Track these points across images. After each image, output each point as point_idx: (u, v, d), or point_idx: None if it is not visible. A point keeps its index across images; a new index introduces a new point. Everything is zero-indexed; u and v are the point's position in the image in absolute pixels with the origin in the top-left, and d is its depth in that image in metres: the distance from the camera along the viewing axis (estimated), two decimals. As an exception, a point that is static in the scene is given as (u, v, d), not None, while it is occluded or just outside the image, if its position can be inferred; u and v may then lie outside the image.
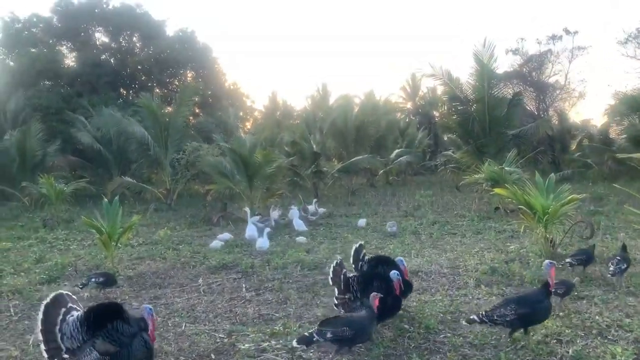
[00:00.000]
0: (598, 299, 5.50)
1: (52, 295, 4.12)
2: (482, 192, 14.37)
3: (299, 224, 11.76)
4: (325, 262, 8.33)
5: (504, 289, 6.30)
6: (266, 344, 4.80)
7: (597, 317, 4.94)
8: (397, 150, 25.89)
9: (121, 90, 31.21)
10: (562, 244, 7.84)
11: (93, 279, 6.80)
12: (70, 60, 30.18)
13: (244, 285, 7.14)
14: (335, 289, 5.30)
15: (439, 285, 6.70)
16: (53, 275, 8.04)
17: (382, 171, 25.07)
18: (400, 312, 5.38)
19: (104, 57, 30.47)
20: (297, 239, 10.60)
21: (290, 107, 43.73)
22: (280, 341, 4.90)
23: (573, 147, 26.83)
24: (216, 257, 8.89)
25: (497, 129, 18.41)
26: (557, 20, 70.67)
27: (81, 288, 6.87)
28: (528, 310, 4.39)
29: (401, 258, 5.69)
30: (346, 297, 5.20)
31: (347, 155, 23.16)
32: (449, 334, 4.86)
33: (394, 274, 5.02)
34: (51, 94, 25.68)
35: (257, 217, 12.12)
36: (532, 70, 31.49)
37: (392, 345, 4.63)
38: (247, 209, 11.83)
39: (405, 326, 5.09)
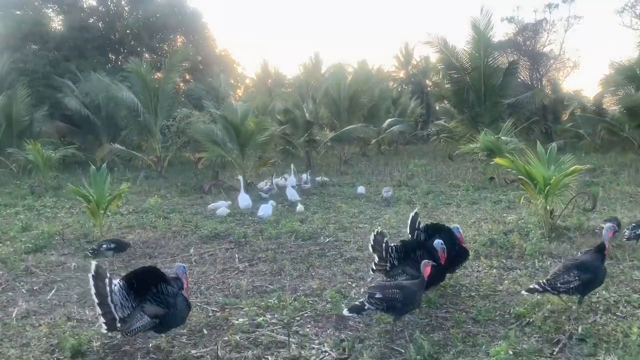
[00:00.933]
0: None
1: (93, 266, 4.07)
2: (477, 161, 14.23)
3: (292, 194, 11.52)
4: (319, 232, 8.17)
5: (504, 261, 6.16)
6: (261, 318, 4.63)
7: (604, 292, 4.80)
8: (389, 120, 25.62)
9: (110, 55, 30.47)
10: (562, 216, 7.70)
11: (104, 246, 6.86)
12: (57, 23, 29.27)
13: (237, 256, 6.96)
14: (376, 256, 5.26)
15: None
16: (39, 244, 7.80)
17: (374, 140, 24.83)
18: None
19: (91, 20, 29.55)
20: (297, 208, 10.44)
21: (282, 76, 43.11)
22: (276, 315, 4.72)
23: (565, 117, 26.67)
24: (208, 227, 8.68)
25: (492, 98, 18.21)
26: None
27: (91, 254, 6.87)
28: (591, 276, 4.24)
29: (457, 225, 5.58)
30: (387, 265, 5.15)
31: (339, 124, 22.86)
32: (451, 309, 4.70)
33: (437, 243, 4.90)
34: (38, 58, 24.94)
35: (265, 184, 12.45)
36: (527, 39, 31.06)
37: (391, 320, 4.46)
38: (241, 177, 11.66)
39: (405, 300, 4.93)
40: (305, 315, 4.71)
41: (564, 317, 4.32)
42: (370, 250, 5.33)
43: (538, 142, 8.42)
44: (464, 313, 4.58)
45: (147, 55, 29.10)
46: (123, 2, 30.64)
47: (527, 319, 4.31)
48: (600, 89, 24.98)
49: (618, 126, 22.16)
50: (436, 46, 18.57)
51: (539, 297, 4.72)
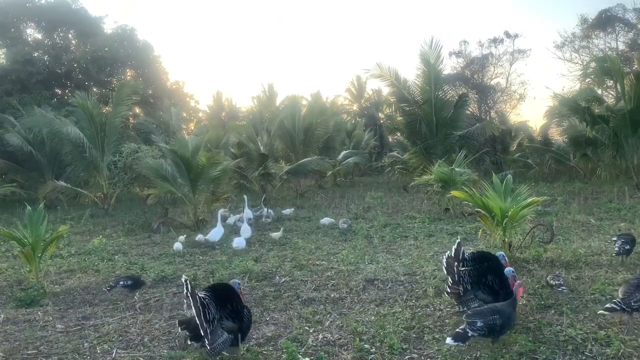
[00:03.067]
0: (567, 308, 5.21)
1: (185, 280, 4.35)
2: (431, 193, 14.22)
3: (245, 230, 11.01)
4: (275, 272, 7.78)
5: (466, 298, 5.94)
6: (210, 374, 4.20)
7: (569, 330, 4.63)
8: (344, 152, 25.69)
9: (55, 89, 29.63)
10: (519, 248, 7.62)
11: (121, 282, 6.88)
12: (-1, 57, 28.25)
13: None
14: (449, 279, 5.35)
15: (397, 295, 6.28)
16: (-34, 294, 7.10)
17: (330, 173, 24.73)
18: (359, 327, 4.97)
19: (36, 54, 28.73)
20: (272, 234, 10.72)
21: (235, 108, 42.93)
22: (226, 370, 4.31)
23: (513, 147, 27.41)
24: (155, 269, 8.17)
25: (444, 130, 18.47)
26: (498, 23, 72.90)
27: (108, 291, 6.89)
28: None
29: (502, 253, 5.71)
30: (459, 288, 5.23)
31: (295, 157, 22.65)
32: (415, 355, 4.41)
33: (508, 270, 5.09)
34: (-23, 92, 23.88)
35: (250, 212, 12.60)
36: (475, 73, 32.06)
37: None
38: (221, 211, 11.60)
39: (366, 346, 4.60)
40: (259, 369, 4.31)
41: (532, 360, 4.10)
42: (445, 272, 5.48)
43: (494, 174, 8.40)
44: (429, 359, 4.29)
45: (95, 89, 28.39)
46: (70, 35, 30.00)
47: (496, 363, 4.07)
48: (545, 120, 25.88)
49: (564, 156, 22.94)
50: (388, 79, 18.78)
51: (505, 338, 4.50)
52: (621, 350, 4.15)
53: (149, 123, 24.41)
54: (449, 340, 4.25)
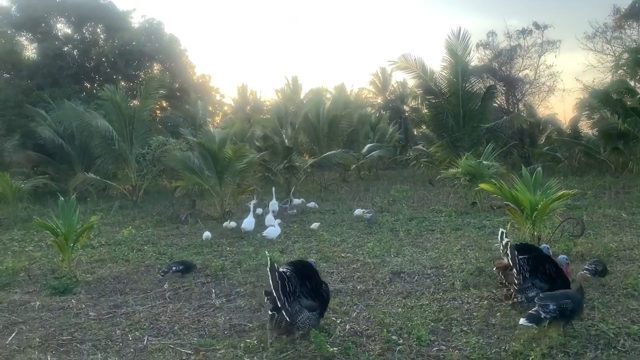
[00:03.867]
0: (598, 303, 5.13)
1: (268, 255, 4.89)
2: (457, 186, 14.09)
3: (269, 220, 11.06)
4: (301, 263, 7.82)
5: (494, 291, 5.89)
6: (239, 362, 4.27)
7: (601, 325, 4.56)
8: (368, 145, 25.58)
9: (85, 83, 30.14)
10: (549, 242, 7.50)
11: (173, 267, 7.18)
12: (30, 51, 28.90)
13: (213, 291, 6.57)
14: (514, 269, 5.35)
15: (424, 288, 6.26)
16: (2, 282, 7.35)
17: (354, 166, 24.68)
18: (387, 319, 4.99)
19: (66, 48, 29.21)
20: (312, 225, 11.12)
21: (260, 101, 43.10)
22: (255, 358, 4.36)
23: (542, 140, 26.92)
24: (184, 259, 8.28)
25: (471, 123, 18.22)
26: (527, 13, 71.46)
27: (162, 276, 7.20)
28: None
29: (546, 245, 5.84)
30: (520, 277, 5.26)
31: (319, 150, 22.66)
32: (443, 347, 4.40)
33: (562, 258, 5.37)
34: (10, 86, 24.54)
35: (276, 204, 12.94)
36: (502, 65, 31.49)
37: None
38: (253, 202, 11.69)
39: (394, 337, 4.61)
40: (287, 357, 4.35)
41: (561, 355, 4.04)
42: (509, 262, 5.46)
43: (523, 167, 8.28)
44: (457, 351, 4.27)
45: (123, 83, 28.81)
46: (99, 30, 30.39)
47: (525, 357, 4.03)
48: (575, 113, 25.35)
49: (594, 149, 22.45)
50: (414, 71, 18.58)
51: (535, 332, 4.46)
52: (655, 346, 4.08)
53: (176, 116, 24.71)
54: (522, 320, 4.34)
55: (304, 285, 4.76)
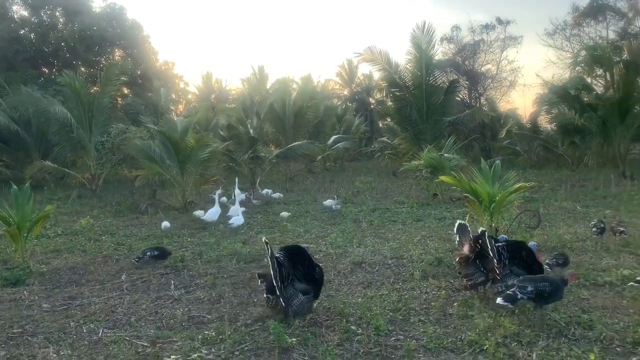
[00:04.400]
0: (550, 292, 5.28)
1: (265, 242, 4.84)
2: (420, 178, 14.27)
3: (234, 210, 10.99)
4: (263, 254, 7.77)
5: (452, 281, 5.99)
6: (196, 354, 4.18)
7: (553, 314, 4.69)
8: (334, 136, 25.63)
9: (42, 68, 29.19)
10: (507, 233, 7.67)
11: (148, 253, 7.16)
12: (-17, 35, 27.65)
13: (172, 282, 6.46)
14: (495, 258, 5.31)
15: (384, 278, 6.31)
16: (-51, 274, 7.02)
17: (320, 157, 24.69)
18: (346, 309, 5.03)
19: (22, 32, 28.21)
20: (281, 214, 11.27)
21: (225, 90, 42.62)
22: (213, 350, 4.30)
23: (502, 134, 27.52)
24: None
25: (434, 116, 18.46)
26: (490, 8, 72.70)
27: (137, 262, 7.19)
28: None
29: (535, 243, 5.99)
30: (500, 265, 5.29)
31: (285, 140, 22.58)
32: (400, 336, 4.44)
33: (533, 244, 5.64)
34: (-38, 70, 23.45)
35: (241, 194, 12.93)
36: (466, 59, 32.01)
37: (338, 352, 4.15)
38: (219, 192, 11.61)
39: (352, 327, 4.63)
40: (245, 348, 4.31)
41: (515, 344, 4.14)
42: (490, 254, 5.42)
43: (482, 160, 8.43)
44: (414, 340, 4.32)
45: (82, 69, 28.03)
46: (58, 13, 29.40)
47: (480, 346, 4.11)
48: (535, 108, 26.00)
49: (553, 143, 23.11)
50: (379, 64, 18.68)
51: (490, 321, 4.56)
52: (603, 334, 4.22)
53: (137, 104, 24.16)
54: (499, 300, 4.47)
55: (297, 269, 4.94)
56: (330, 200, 12.45)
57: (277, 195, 14.60)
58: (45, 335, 4.81)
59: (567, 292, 5.38)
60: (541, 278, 4.68)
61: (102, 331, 4.88)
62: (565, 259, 6.16)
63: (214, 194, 11.50)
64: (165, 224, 10.10)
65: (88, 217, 11.49)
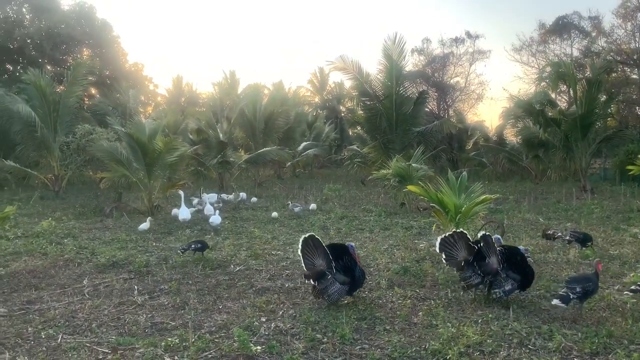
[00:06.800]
0: (513, 303, 5.38)
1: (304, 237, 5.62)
2: (388, 187, 14.40)
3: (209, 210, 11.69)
4: (229, 260, 7.73)
5: (418, 290, 6.06)
6: (158, 361, 4.13)
7: (515, 324, 4.78)
8: (304, 143, 25.68)
9: (7, 65, 28.35)
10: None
11: (192, 246, 7.68)
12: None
13: (136, 287, 6.35)
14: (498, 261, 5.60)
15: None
16: None
17: (289, 163, 24.68)
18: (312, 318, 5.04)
19: (-14, 27, 27.35)
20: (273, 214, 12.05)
21: (196, 94, 42.26)
22: (176, 357, 4.23)
23: (469, 146, 28.06)
24: (106, 254, 7.97)
25: (403, 126, 18.64)
26: (460, 22, 74.24)
27: (182, 253, 7.69)
28: None
29: (525, 247, 6.21)
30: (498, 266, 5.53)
31: (254, 146, 22.49)
32: (365, 345, 4.45)
33: (524, 249, 5.84)
34: None
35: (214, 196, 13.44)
36: (435, 71, 32.53)
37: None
38: (181, 192, 11.80)
39: (318, 335, 4.63)
40: (209, 356, 4.26)
41: (477, 353, 4.21)
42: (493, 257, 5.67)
43: (449, 171, 8.57)
44: (379, 350, 4.34)
45: (49, 67, 27.39)
46: (24, 9, 28.72)
47: (443, 355, 4.16)
48: (501, 121, 26.60)
49: (517, 156, 23.66)
50: (350, 72, 18.80)
51: (454, 331, 4.62)
52: (562, 344, 4.32)
53: (105, 105, 23.69)
54: (555, 301, 4.83)
55: (338, 262, 5.52)
56: (291, 203, 13.01)
57: (254, 199, 14.97)
58: (1, 341, 4.66)
59: (529, 303, 5.52)
60: (584, 278, 5.06)
61: (62, 337, 4.75)
62: (584, 234, 7.03)
63: (180, 192, 11.90)
64: (143, 226, 10.22)
65: (50, 219, 11.20)
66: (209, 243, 8.25)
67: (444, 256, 5.99)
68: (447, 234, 6.11)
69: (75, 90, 18.18)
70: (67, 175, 17.79)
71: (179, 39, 78.23)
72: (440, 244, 6.08)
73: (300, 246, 5.60)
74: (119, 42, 31.93)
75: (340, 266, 5.49)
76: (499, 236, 6.53)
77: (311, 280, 5.42)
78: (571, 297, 4.81)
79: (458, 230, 6.15)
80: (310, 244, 5.57)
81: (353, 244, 5.90)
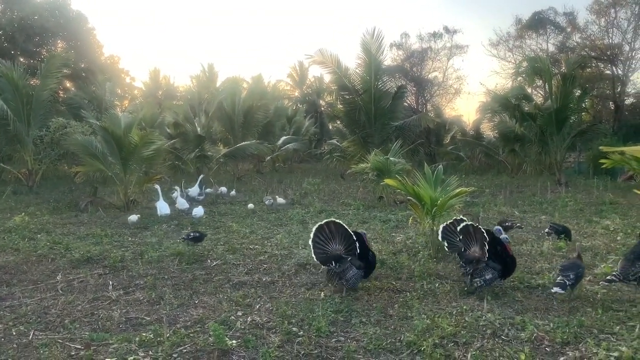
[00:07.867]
0: (487, 294, 5.45)
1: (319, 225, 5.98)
2: (367, 181, 14.46)
3: (182, 203, 11.70)
4: (206, 255, 7.68)
5: (394, 282, 6.09)
6: (132, 357, 4.06)
7: (489, 315, 4.85)
8: (284, 137, 25.62)
9: (-23, 56, 27.55)
10: (447, 236, 7.87)
11: (191, 235, 7.99)
12: None
13: (110, 283, 6.28)
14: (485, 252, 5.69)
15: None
16: None
17: (269, 157, 24.60)
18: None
19: (-45, 17, 26.65)
20: (248, 206, 12.28)
21: (173, 87, 41.79)
22: (150, 352, 4.19)
23: (447, 140, 28.30)
24: (80, 249, 7.85)
25: (382, 120, 18.74)
26: (438, 17, 74.67)
27: (182, 241, 8.05)
28: None
29: (506, 236, 6.18)
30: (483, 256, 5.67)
31: (233, 140, 22.37)
32: (341, 337, 4.47)
33: (504, 238, 5.93)
34: None
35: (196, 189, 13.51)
36: (414, 66, 32.69)
37: (279, 354, 4.14)
38: (158, 186, 11.73)
39: (294, 329, 4.63)
40: (184, 351, 4.23)
41: (451, 344, 4.26)
42: (479, 248, 5.82)
43: (425, 164, 8.63)
44: (355, 342, 4.37)
45: (22, 59, 26.79)
46: (-5, 0, 28.00)
47: (418, 347, 4.20)
48: (478, 115, 26.88)
49: (494, 150, 23.97)
50: (330, 67, 18.82)
51: (428, 322, 4.67)
52: (534, 334, 4.40)
53: (79, 98, 23.25)
54: (555, 289, 5.07)
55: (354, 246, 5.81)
56: (281, 199, 13.12)
57: (233, 192, 15.09)
58: (-30, 339, 4.56)
59: (503, 294, 5.60)
60: (574, 265, 5.31)
61: (33, 333, 4.68)
62: (562, 227, 7.61)
63: (156, 186, 11.87)
64: (132, 217, 10.28)
65: (23, 214, 11.01)
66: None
67: (446, 244, 6.57)
68: (448, 222, 6.62)
69: (49, 83, 17.85)
70: (41, 169, 17.48)
71: (156, 32, 77.27)
72: (442, 232, 6.59)
73: (312, 234, 5.85)
74: (95, 34, 31.42)
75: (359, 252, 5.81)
76: (499, 227, 6.64)
77: (331, 264, 5.68)
78: (567, 283, 5.05)
79: (459, 218, 6.53)
80: (326, 230, 5.88)
81: (365, 231, 6.46)
